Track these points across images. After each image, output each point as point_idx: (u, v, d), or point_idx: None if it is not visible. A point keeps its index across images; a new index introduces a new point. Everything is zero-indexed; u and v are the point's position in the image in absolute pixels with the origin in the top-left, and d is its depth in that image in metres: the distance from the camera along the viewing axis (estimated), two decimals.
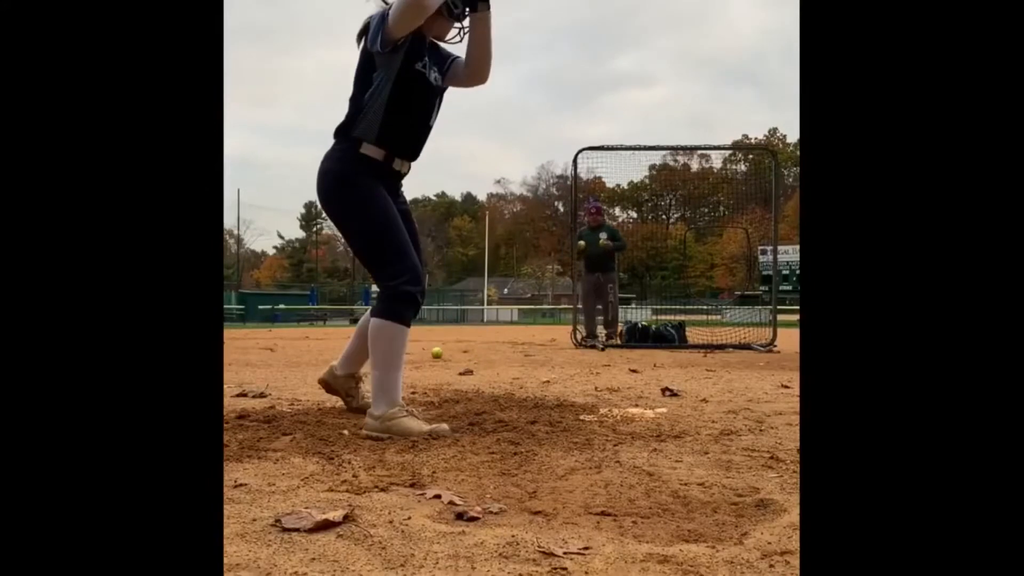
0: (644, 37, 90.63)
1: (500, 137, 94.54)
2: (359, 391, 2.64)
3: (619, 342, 7.98)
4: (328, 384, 2.67)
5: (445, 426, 2.13)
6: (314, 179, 2.24)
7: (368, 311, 2.58)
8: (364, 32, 2.20)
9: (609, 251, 8.37)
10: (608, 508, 1.33)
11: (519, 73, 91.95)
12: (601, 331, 8.38)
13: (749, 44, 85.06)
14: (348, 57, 2.25)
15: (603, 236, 8.42)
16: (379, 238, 2.19)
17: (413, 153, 2.31)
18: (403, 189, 2.37)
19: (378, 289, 2.22)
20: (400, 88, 2.16)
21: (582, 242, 8.36)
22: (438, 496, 1.39)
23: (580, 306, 8.60)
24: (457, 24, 2.26)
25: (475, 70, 2.31)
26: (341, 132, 2.23)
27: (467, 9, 2.19)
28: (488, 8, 2.18)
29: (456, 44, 2.32)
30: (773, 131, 57.69)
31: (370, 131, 2.17)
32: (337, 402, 2.87)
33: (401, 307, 2.16)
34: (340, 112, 2.25)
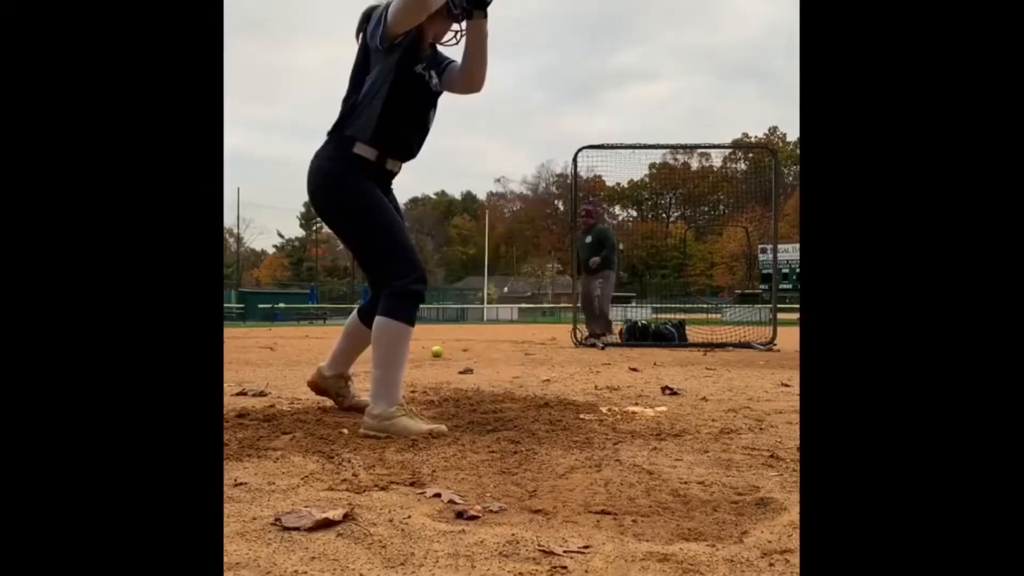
0: (647, 33, 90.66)
1: (500, 135, 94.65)
2: (350, 390, 2.62)
3: (600, 345, 7.62)
4: (317, 385, 2.64)
5: (443, 427, 2.13)
6: None
7: (354, 311, 2.57)
8: (363, 24, 2.18)
9: (595, 254, 8.32)
10: (608, 507, 1.33)
11: (520, 71, 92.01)
12: (583, 329, 8.27)
13: (750, 42, 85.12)
14: (348, 54, 2.25)
15: (588, 239, 8.42)
16: (382, 237, 2.18)
17: (408, 154, 2.30)
18: (394, 188, 2.37)
19: (384, 288, 2.20)
20: (398, 89, 2.15)
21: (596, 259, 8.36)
22: (438, 495, 1.39)
23: (580, 305, 8.62)
24: (455, 26, 2.24)
25: (468, 78, 2.28)
26: (334, 130, 2.21)
27: (464, 14, 2.17)
28: (484, 16, 2.16)
29: (452, 47, 2.31)
30: (773, 129, 57.71)
31: (364, 130, 2.16)
32: None
33: (409, 306, 2.15)
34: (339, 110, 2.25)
